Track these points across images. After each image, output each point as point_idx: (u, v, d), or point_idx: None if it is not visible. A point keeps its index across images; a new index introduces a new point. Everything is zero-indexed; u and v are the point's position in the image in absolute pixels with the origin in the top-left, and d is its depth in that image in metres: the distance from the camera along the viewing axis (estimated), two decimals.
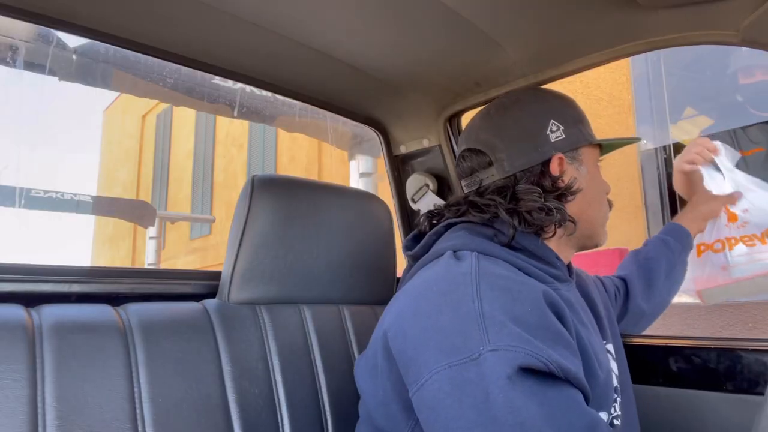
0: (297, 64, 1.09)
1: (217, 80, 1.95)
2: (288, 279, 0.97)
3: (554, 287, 0.76)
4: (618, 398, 0.80)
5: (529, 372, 0.59)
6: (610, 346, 0.88)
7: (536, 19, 0.94)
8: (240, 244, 0.93)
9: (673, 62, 2.81)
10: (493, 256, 0.74)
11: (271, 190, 0.96)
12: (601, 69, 1.09)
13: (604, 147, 0.91)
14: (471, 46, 1.02)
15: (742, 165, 1.95)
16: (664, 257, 1.10)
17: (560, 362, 0.60)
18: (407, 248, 0.88)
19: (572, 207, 0.82)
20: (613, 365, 0.85)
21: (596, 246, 0.89)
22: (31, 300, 0.78)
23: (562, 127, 0.84)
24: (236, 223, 0.95)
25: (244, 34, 0.97)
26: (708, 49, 2.61)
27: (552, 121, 0.84)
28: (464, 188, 0.88)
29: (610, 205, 0.91)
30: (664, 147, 2.79)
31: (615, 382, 0.81)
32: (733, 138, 2.02)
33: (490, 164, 0.84)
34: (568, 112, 0.87)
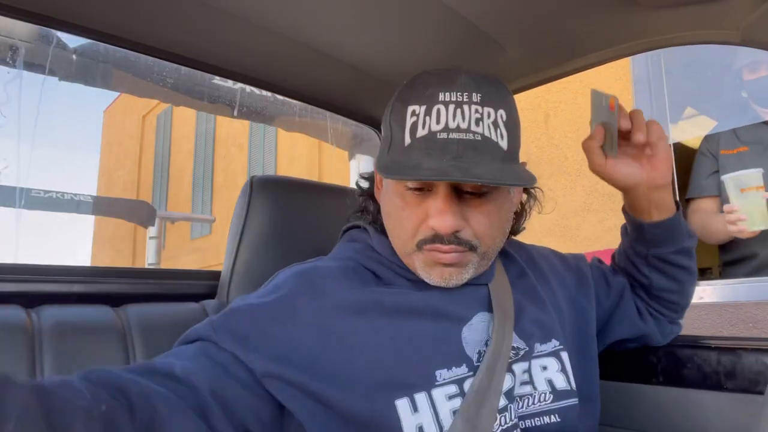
0: (297, 64, 1.09)
1: (217, 80, 1.95)
2: None
3: (385, 288, 0.75)
4: (561, 402, 0.74)
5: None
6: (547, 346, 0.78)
7: (536, 19, 0.94)
8: (239, 245, 0.93)
9: (673, 62, 2.81)
10: (350, 259, 0.79)
11: (269, 191, 0.96)
12: (601, 69, 1.09)
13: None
14: (470, 46, 1.02)
15: (726, 163, 1.95)
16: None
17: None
18: None
19: None
20: (552, 369, 0.76)
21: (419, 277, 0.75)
22: (31, 300, 0.78)
23: (385, 139, 0.76)
24: (235, 224, 0.95)
25: (244, 34, 0.97)
26: (708, 49, 2.61)
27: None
28: None
29: (428, 240, 0.71)
30: None
31: (545, 386, 0.74)
32: (719, 137, 2.02)
33: None
34: (393, 121, 0.76)
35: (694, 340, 0.97)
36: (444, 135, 0.67)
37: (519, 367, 0.73)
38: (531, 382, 0.74)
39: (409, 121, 0.70)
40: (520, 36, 0.99)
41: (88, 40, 1.21)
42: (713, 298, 2.57)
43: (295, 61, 1.07)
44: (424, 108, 0.69)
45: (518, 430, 0.69)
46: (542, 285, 0.86)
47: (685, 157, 2.23)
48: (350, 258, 0.79)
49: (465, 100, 0.68)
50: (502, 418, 0.68)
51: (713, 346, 0.93)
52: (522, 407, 0.71)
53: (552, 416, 0.72)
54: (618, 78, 2.91)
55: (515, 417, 0.69)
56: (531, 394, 0.73)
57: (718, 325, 2.43)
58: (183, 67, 1.07)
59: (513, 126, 0.71)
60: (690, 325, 2.54)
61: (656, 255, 0.89)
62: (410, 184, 0.71)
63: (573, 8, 0.90)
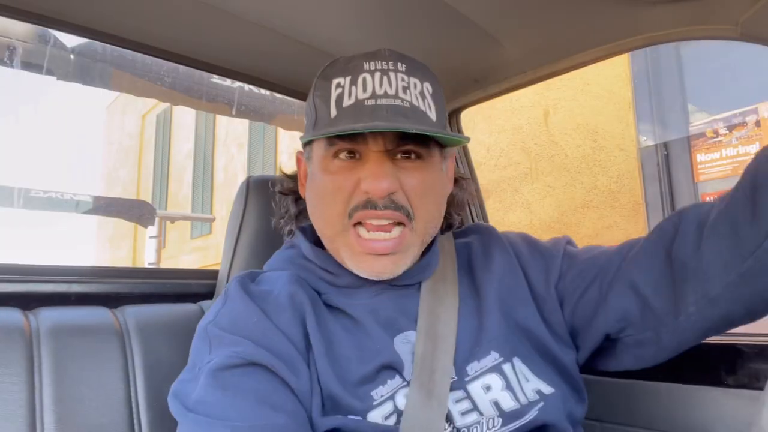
0: (295, 62, 1.09)
1: (216, 79, 1.95)
2: None
3: (326, 296, 0.72)
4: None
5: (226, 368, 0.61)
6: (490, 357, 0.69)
7: (534, 15, 0.93)
8: (236, 245, 0.93)
9: (672, 57, 2.81)
10: (283, 269, 0.74)
11: (265, 191, 0.95)
12: (600, 65, 1.09)
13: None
14: (469, 43, 1.02)
15: None
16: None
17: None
18: None
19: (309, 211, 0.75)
20: (496, 388, 0.67)
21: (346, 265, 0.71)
22: (30, 300, 0.78)
23: (309, 118, 0.73)
24: (232, 224, 0.95)
25: (242, 33, 0.97)
26: (708, 44, 2.60)
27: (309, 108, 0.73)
28: None
29: (361, 206, 0.67)
30: (664, 143, 2.78)
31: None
32: None
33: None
34: (317, 97, 0.71)
35: None
36: (372, 101, 0.65)
37: (451, 396, 0.65)
38: (475, 408, 0.65)
39: (335, 93, 0.67)
40: (518, 32, 0.99)
41: (86, 40, 1.21)
42: None
43: (293, 58, 1.07)
44: (348, 79, 0.67)
45: None
46: (498, 280, 0.76)
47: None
48: (291, 274, 0.74)
49: (391, 68, 0.67)
50: None
51: (713, 341, 0.93)
52: None
53: None
54: (618, 74, 2.91)
55: None
56: (478, 422, 0.64)
57: None
58: (181, 66, 1.07)
59: (440, 100, 0.70)
60: None
61: None
62: (341, 154, 0.68)
63: (571, 3, 0.90)
